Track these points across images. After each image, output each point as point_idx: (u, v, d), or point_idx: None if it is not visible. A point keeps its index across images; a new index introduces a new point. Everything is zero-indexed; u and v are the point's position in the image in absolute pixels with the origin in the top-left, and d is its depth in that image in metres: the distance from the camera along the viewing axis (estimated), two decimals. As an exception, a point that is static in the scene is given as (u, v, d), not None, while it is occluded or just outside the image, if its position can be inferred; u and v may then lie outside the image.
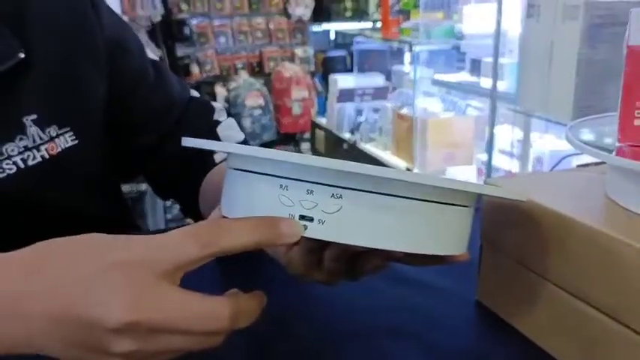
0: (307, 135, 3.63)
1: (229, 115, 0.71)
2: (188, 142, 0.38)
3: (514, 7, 1.82)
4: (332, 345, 0.46)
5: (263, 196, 0.35)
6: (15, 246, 0.57)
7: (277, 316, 0.48)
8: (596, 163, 0.54)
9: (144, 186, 2.19)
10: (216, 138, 0.67)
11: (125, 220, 0.74)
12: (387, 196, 0.33)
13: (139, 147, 0.67)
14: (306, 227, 0.34)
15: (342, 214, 0.33)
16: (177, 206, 0.74)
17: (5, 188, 0.55)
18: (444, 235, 0.36)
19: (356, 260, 0.40)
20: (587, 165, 0.59)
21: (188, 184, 0.66)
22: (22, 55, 0.54)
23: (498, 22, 1.84)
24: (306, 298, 0.52)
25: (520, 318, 0.46)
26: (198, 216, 0.66)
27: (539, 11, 1.56)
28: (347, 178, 0.33)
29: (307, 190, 0.33)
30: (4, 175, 0.55)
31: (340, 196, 0.33)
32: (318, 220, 0.33)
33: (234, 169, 0.38)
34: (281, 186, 0.34)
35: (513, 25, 1.83)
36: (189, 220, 0.73)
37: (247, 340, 0.44)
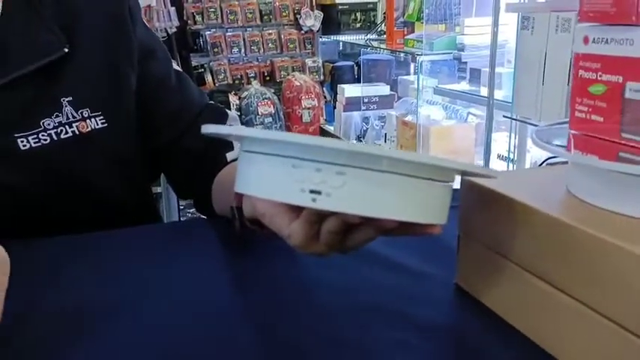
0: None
1: (241, 122, 0.79)
2: (208, 128, 0.43)
3: (512, 19, 1.89)
4: (321, 319, 0.50)
5: (277, 174, 0.40)
6: (44, 213, 0.67)
7: (270, 294, 0.54)
8: (562, 162, 0.59)
9: (159, 188, 2.28)
10: (229, 141, 0.73)
11: (148, 210, 0.82)
12: (384, 173, 0.38)
13: (158, 145, 0.75)
14: (315, 200, 0.39)
15: (346, 188, 0.38)
16: (191, 210, 0.81)
17: (40, 157, 0.65)
18: (431, 207, 0.41)
19: (349, 233, 0.44)
20: (554, 164, 0.67)
21: (201, 182, 0.73)
22: (67, 50, 0.66)
23: (494, 34, 1.91)
24: (300, 282, 0.56)
25: (492, 297, 0.50)
26: (211, 213, 0.73)
27: (534, 23, 1.63)
28: (350, 157, 0.38)
29: (316, 168, 0.38)
30: (39, 144, 0.65)
31: (344, 173, 0.38)
32: (326, 194, 0.38)
33: (249, 151, 0.42)
34: (293, 165, 0.39)
35: (512, 37, 1.90)
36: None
37: (241, 311, 0.50)
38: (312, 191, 0.39)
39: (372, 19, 3.68)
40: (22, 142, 0.65)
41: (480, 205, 0.50)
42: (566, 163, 0.54)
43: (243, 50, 3.64)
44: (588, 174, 0.45)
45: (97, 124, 0.69)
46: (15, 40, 0.64)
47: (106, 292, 0.55)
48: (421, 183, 0.40)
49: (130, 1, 0.72)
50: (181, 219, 2.67)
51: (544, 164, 0.97)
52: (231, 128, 0.46)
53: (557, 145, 0.49)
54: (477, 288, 0.52)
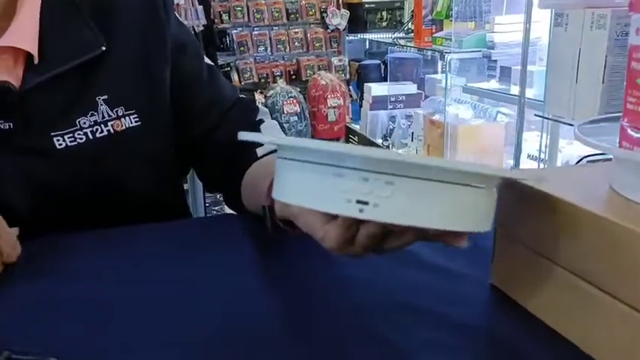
0: (342, 141, 3.71)
1: None
2: (244, 135, 0.41)
3: (545, 16, 1.86)
4: (351, 320, 0.49)
5: (321, 183, 0.38)
6: (77, 213, 0.68)
7: (302, 293, 0.53)
8: (604, 159, 0.60)
9: (186, 185, 2.30)
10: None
11: (179, 205, 0.82)
12: (432, 182, 0.37)
13: (189, 139, 0.75)
14: (362, 210, 0.37)
15: (394, 198, 0.37)
16: (217, 207, 0.80)
17: (76, 156, 0.66)
18: (479, 214, 0.40)
19: (387, 237, 0.43)
20: (596, 160, 0.65)
21: (231, 176, 0.72)
22: (104, 48, 0.65)
23: (527, 31, 1.88)
24: (329, 281, 0.55)
25: (531, 299, 0.48)
26: (240, 208, 0.72)
27: (567, 20, 1.59)
28: (399, 167, 0.37)
29: (363, 177, 0.37)
30: (75, 143, 0.65)
31: (392, 183, 0.37)
32: (374, 204, 0.37)
33: (287, 158, 0.41)
34: (339, 175, 0.37)
35: (545, 34, 1.86)
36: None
37: (272, 310, 0.49)
38: (358, 201, 0.37)
39: (399, 17, 3.66)
40: (58, 141, 0.65)
41: (518, 204, 0.49)
42: (607, 160, 0.53)
43: (269, 49, 3.65)
44: (634, 170, 0.43)
45: (131, 123, 0.68)
46: (54, 36, 0.64)
47: (136, 287, 0.55)
48: (470, 191, 0.39)
49: None
50: (208, 214, 2.70)
51: (583, 161, 0.94)
52: (269, 137, 0.45)
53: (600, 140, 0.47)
54: (514, 289, 0.51)
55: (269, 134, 0.74)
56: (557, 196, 0.44)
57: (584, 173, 0.56)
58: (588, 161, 0.63)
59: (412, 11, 3.08)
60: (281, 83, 3.58)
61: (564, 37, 1.58)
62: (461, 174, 0.38)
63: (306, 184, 0.39)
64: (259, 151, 0.71)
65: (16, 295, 0.53)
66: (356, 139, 3.49)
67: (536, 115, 1.82)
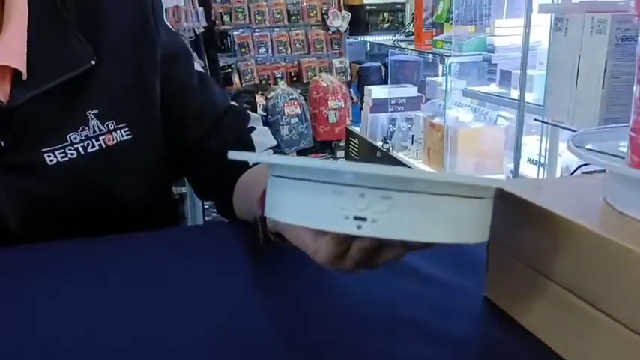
0: (342, 143, 3.70)
1: (267, 122, 0.78)
2: (233, 155, 0.40)
3: (545, 20, 1.85)
4: (345, 332, 0.48)
5: (317, 201, 0.38)
6: (70, 226, 0.67)
7: (294, 306, 0.52)
8: (599, 171, 0.56)
9: (184, 189, 2.30)
10: (251, 142, 0.73)
11: (171, 212, 0.81)
12: (430, 195, 0.37)
13: (180, 147, 0.74)
14: (360, 227, 0.37)
15: (391, 212, 0.37)
16: (216, 210, 0.80)
17: (67, 171, 0.65)
18: (476, 225, 0.40)
19: (379, 250, 0.42)
20: (591, 172, 0.64)
21: (223, 184, 0.71)
22: (94, 62, 0.65)
23: (526, 35, 1.88)
24: (323, 291, 0.55)
25: (524, 313, 0.48)
26: (232, 215, 0.72)
27: (567, 25, 1.59)
28: (396, 181, 0.37)
29: (360, 194, 0.36)
30: (67, 159, 0.65)
31: (390, 197, 0.36)
32: (372, 220, 0.37)
33: (280, 176, 0.40)
34: (335, 192, 0.37)
35: (545, 38, 1.86)
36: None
37: (267, 326, 0.49)
38: (356, 218, 0.37)
39: (400, 19, 3.66)
40: (49, 157, 0.64)
41: (512, 216, 0.48)
42: (602, 171, 0.51)
43: (270, 50, 3.65)
44: (629, 185, 0.42)
45: (123, 136, 0.68)
46: (42, 51, 0.63)
47: (124, 294, 0.54)
48: (467, 202, 0.39)
49: (153, 3, 0.70)
50: (206, 218, 2.70)
51: (577, 172, 0.93)
52: (259, 156, 0.43)
53: (589, 150, 0.46)
54: (507, 302, 0.50)
55: (261, 142, 0.73)
56: (550, 209, 0.44)
57: (579, 185, 0.55)
58: (584, 172, 0.62)
59: (413, 14, 3.08)
60: (282, 85, 3.57)
61: (564, 41, 1.57)
62: (457, 186, 0.38)
63: (302, 202, 0.39)
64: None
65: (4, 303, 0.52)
66: (356, 141, 3.48)
67: (535, 119, 1.82)
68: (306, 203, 0.38)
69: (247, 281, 0.57)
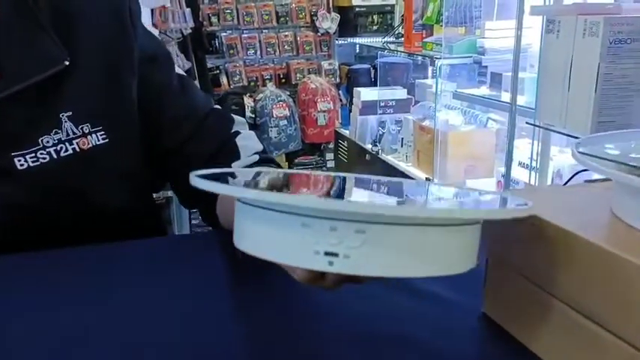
0: (331, 145, 3.68)
1: (256, 124, 0.76)
2: (197, 183, 0.38)
3: (536, 22, 1.84)
4: (337, 351, 0.46)
5: (285, 234, 0.35)
6: (47, 232, 0.64)
7: (282, 323, 0.50)
8: (603, 179, 0.54)
9: (170, 192, 2.26)
10: (235, 147, 0.70)
11: (152, 219, 0.78)
12: (407, 226, 0.34)
13: (161, 152, 0.72)
14: (331, 263, 0.34)
15: (365, 247, 0.34)
16: (201, 217, 0.77)
17: (39, 176, 0.62)
18: (461, 255, 0.37)
19: None
20: (594, 181, 0.61)
21: (206, 192, 0.69)
22: (67, 63, 0.61)
23: (518, 38, 1.86)
24: (311, 306, 0.53)
25: (524, 331, 0.46)
26: (216, 223, 0.69)
27: (559, 27, 1.57)
28: (369, 215, 0.34)
29: (331, 227, 0.34)
30: (38, 163, 0.62)
31: (364, 231, 0.34)
32: (344, 255, 0.34)
33: (247, 203, 0.37)
34: (304, 225, 0.34)
35: (536, 40, 1.84)
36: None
37: (251, 344, 0.46)
38: (327, 253, 0.34)
39: (390, 21, 3.65)
40: (19, 161, 0.61)
41: (512, 230, 0.46)
42: (607, 180, 0.49)
43: (258, 52, 3.62)
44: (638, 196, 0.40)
45: (98, 140, 0.65)
46: (13, 50, 0.60)
47: (98, 308, 0.52)
48: (449, 231, 0.36)
49: (130, 3, 0.67)
50: (192, 222, 2.66)
51: (574, 178, 0.91)
52: (225, 187, 0.39)
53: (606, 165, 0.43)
54: (507, 320, 0.48)
55: (245, 146, 0.70)
56: (553, 222, 0.41)
57: (582, 195, 0.52)
58: (586, 180, 0.59)
59: (402, 15, 3.06)
60: (270, 87, 3.55)
61: (556, 44, 1.56)
62: (436, 218, 0.35)
63: (269, 235, 0.36)
64: (235, 166, 0.69)
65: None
66: (345, 144, 3.46)
67: (527, 123, 1.81)
68: (274, 237, 0.36)
69: (228, 296, 0.55)
